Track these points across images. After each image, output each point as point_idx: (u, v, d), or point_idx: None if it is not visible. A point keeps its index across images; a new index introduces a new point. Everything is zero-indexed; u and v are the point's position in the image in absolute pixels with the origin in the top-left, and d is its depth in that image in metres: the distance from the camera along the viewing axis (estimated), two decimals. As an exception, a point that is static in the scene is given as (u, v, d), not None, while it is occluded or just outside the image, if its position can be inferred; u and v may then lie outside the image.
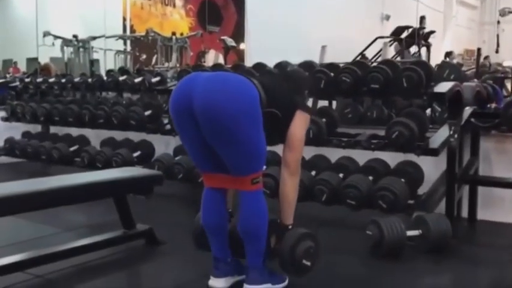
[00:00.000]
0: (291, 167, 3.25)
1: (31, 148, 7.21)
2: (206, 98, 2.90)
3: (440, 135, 4.46)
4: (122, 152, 6.17)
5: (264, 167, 3.48)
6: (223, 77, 3.05)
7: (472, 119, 4.67)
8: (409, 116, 4.65)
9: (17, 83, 8.37)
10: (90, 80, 7.02)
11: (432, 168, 4.74)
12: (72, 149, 6.85)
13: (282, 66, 5.42)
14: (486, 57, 14.55)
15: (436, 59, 13.17)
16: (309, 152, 4.85)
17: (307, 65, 5.34)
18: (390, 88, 4.73)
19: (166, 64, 11.81)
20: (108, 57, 12.73)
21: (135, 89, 6.65)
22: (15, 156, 7.60)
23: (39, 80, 7.86)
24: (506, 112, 4.23)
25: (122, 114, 6.23)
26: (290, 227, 3.28)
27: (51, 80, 7.66)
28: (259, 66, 5.71)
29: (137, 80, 6.42)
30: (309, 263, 3.22)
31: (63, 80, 7.47)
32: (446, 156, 4.33)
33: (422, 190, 4.63)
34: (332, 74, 4.97)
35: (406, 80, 4.56)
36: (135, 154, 6.26)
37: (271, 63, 5.86)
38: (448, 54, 15.29)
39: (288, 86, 3.42)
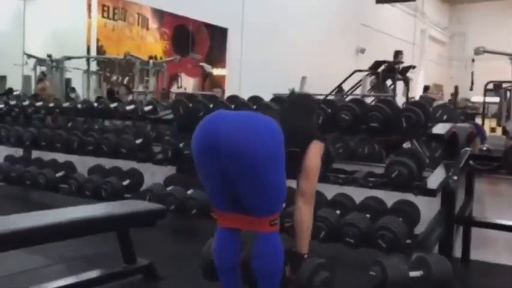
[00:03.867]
0: (306, 195, 3.33)
1: (15, 172, 7.06)
2: (236, 140, 2.94)
3: (437, 175, 4.50)
4: (111, 180, 6.11)
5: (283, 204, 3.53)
6: (249, 120, 3.07)
7: (471, 162, 4.74)
8: (407, 155, 4.69)
9: (1, 105, 8.23)
10: (79, 105, 6.94)
11: (425, 206, 4.77)
12: (58, 175, 6.75)
13: (289, 95, 5.36)
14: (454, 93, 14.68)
15: (411, 92, 13.35)
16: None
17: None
18: (389, 127, 4.77)
19: (140, 87, 11.87)
20: (77, 76, 12.71)
21: (127, 117, 6.61)
22: (-4, 180, 7.42)
23: (26, 103, 7.75)
24: (507, 156, 4.28)
25: (112, 141, 6.19)
26: (305, 256, 3.32)
27: (38, 104, 7.56)
28: (256, 99, 5.70)
29: (129, 107, 6.39)
30: None
31: (51, 105, 7.36)
32: (445, 198, 4.40)
33: (417, 229, 4.67)
34: (329, 111, 5.00)
35: (405, 120, 4.61)
36: (125, 183, 6.19)
37: (252, 92, 5.88)
38: (426, 88, 15.48)
39: (298, 116, 3.52)
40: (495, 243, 5.05)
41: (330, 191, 5.05)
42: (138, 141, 6.13)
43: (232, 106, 5.45)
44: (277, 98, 5.63)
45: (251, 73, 13.78)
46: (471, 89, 13.07)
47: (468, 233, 4.93)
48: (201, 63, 13.70)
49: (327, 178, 4.84)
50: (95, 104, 6.84)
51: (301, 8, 17.06)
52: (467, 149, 4.81)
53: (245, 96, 5.88)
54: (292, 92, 3.68)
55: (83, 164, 6.90)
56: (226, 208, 3.23)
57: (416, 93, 17.33)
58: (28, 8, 13.06)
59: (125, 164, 6.43)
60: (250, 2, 14.76)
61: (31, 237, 3.47)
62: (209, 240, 3.52)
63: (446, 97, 16.88)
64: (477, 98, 13.75)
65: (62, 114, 7.47)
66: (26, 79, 12.79)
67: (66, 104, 7.23)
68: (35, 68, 12.23)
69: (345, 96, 11.21)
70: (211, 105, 5.52)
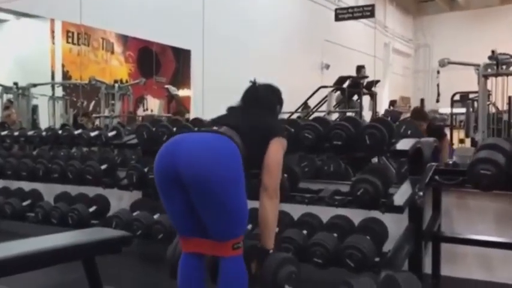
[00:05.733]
0: (269, 190, 3.27)
1: None
2: (195, 163, 2.94)
3: (403, 191, 4.47)
4: (77, 208, 6.03)
5: (249, 226, 3.49)
6: (209, 143, 3.06)
7: (436, 177, 4.73)
8: (372, 172, 4.68)
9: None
10: (44, 133, 6.90)
11: (392, 223, 4.73)
12: (24, 203, 6.66)
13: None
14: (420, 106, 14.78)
15: (377, 106, 13.41)
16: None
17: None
18: (353, 145, 4.75)
19: (106, 111, 11.84)
20: (44, 103, 12.62)
21: (91, 143, 6.55)
22: (-38, 210, 7.30)
23: (-9, 133, 7.66)
24: (472, 170, 4.27)
25: (78, 168, 6.12)
26: (271, 251, 3.27)
27: (3, 133, 7.49)
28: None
29: (93, 134, 6.35)
30: None
31: (16, 133, 7.31)
32: (412, 215, 4.38)
33: (386, 246, 4.65)
34: (293, 130, 4.98)
35: (368, 137, 4.60)
36: (91, 209, 6.12)
37: (218, 112, 5.87)
38: (393, 102, 15.55)
39: (259, 113, 3.51)
40: (465, 258, 5.02)
41: (297, 211, 5.01)
42: (103, 167, 6.07)
43: (196, 129, 5.42)
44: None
45: (215, 93, 13.75)
46: (437, 101, 13.17)
47: (437, 249, 4.90)
48: (166, 86, 13.66)
49: (292, 198, 4.82)
50: (60, 132, 6.79)
51: (263, 27, 17.16)
52: (433, 164, 4.79)
53: (209, 117, 5.85)
54: (254, 84, 3.63)
55: (50, 191, 6.83)
56: (190, 233, 3.21)
57: (382, 107, 17.44)
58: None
59: (92, 190, 6.35)
60: (210, 22, 14.72)
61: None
62: (175, 240, 3.48)
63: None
64: (445, 109, 13.86)
65: (27, 142, 7.41)
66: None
67: (31, 132, 7.18)
68: (1, 96, 12.14)
69: (310, 113, 11.22)
70: (174, 129, 5.50)
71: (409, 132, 5.08)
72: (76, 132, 6.56)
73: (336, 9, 16.85)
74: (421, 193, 4.32)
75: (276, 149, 3.34)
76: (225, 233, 3.07)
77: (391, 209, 4.35)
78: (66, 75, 13.10)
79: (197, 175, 2.93)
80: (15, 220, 6.66)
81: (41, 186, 6.90)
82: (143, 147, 5.95)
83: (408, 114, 16.41)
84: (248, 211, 3.18)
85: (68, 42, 13.16)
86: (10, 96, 12.20)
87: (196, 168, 2.94)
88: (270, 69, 16.06)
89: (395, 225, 4.66)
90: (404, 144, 4.65)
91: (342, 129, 4.73)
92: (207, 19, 14.27)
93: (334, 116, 10.90)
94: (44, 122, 12.13)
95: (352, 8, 16.70)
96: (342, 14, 16.87)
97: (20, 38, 13.06)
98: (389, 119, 11.14)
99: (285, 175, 4.84)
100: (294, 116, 10.99)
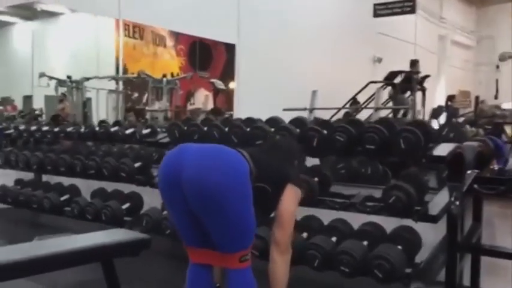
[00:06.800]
0: (281, 245, 3.12)
1: (23, 196, 7.12)
2: (196, 173, 2.80)
3: (440, 199, 4.22)
4: (111, 205, 6.03)
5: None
6: (214, 152, 2.94)
7: (475, 185, 4.43)
8: (407, 178, 4.43)
9: (12, 131, 8.31)
10: (82, 130, 7.00)
11: (430, 231, 4.44)
12: (62, 198, 6.73)
13: (270, 136, 4.93)
14: (482, 101, 14.19)
15: (430, 101, 12.96)
16: (300, 212, 4.62)
17: (299, 122, 5.17)
18: (386, 149, 4.51)
19: (156, 103, 11.87)
20: (101, 96, 12.74)
21: (126, 141, 6.59)
22: (6, 203, 7.49)
23: (34, 128, 7.81)
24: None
25: (113, 165, 6.10)
26: None
27: (45, 128, 7.61)
28: (250, 121, 5.49)
29: (128, 131, 6.37)
30: None
31: (56, 129, 7.40)
32: (448, 224, 4.10)
33: (420, 255, 4.39)
34: (325, 132, 4.77)
35: (403, 142, 4.36)
36: (124, 206, 6.10)
37: (260, 107, 5.71)
38: (451, 97, 14.92)
39: (277, 157, 3.32)
40: (507, 271, 4.69)
41: (328, 216, 4.80)
42: (137, 164, 6.03)
43: (226, 129, 5.28)
44: (271, 119, 5.39)
45: (259, 88, 13.53)
46: (496, 97, 12.68)
47: (477, 261, 4.60)
48: (212, 80, 13.55)
49: (323, 203, 4.64)
50: (97, 128, 6.86)
51: (311, 18, 16.46)
52: (475, 170, 4.49)
53: (251, 114, 5.75)
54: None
55: (88, 186, 6.85)
56: (196, 244, 3.09)
57: (436, 103, 16.67)
58: (50, 30, 13.40)
59: (127, 187, 6.32)
60: (255, 16, 14.42)
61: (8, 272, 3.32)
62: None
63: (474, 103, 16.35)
64: (508, 105, 13.33)
65: (66, 138, 7.46)
66: (51, 99, 12.84)
67: (69, 129, 7.25)
68: (56, 89, 12.28)
69: (360, 109, 10.91)
70: (205, 128, 5.38)
71: (451, 135, 4.80)
72: (112, 129, 6.57)
73: (374, 5, 16.21)
74: (457, 202, 4.06)
75: (291, 197, 3.19)
76: (231, 245, 2.94)
77: (424, 217, 4.12)
78: (124, 68, 13.14)
79: (201, 185, 2.79)
80: (54, 214, 6.77)
81: (80, 181, 6.94)
82: (175, 146, 5.85)
83: (467, 110, 15.88)
84: (255, 225, 3.02)
85: (124, 35, 13.18)
86: (64, 89, 12.32)
87: (200, 178, 2.80)
88: (319, 63, 15.69)
89: (433, 233, 4.40)
90: (442, 149, 4.36)
91: (375, 132, 4.50)
92: (242, 10, 14.10)
93: (384, 113, 10.52)
94: (97, 115, 12.25)
95: (393, 3, 16.08)
96: (381, 10, 16.30)
97: (75, 31, 13.17)
98: (444, 115, 10.82)
99: (316, 179, 4.65)
100: (342, 112, 10.72)
